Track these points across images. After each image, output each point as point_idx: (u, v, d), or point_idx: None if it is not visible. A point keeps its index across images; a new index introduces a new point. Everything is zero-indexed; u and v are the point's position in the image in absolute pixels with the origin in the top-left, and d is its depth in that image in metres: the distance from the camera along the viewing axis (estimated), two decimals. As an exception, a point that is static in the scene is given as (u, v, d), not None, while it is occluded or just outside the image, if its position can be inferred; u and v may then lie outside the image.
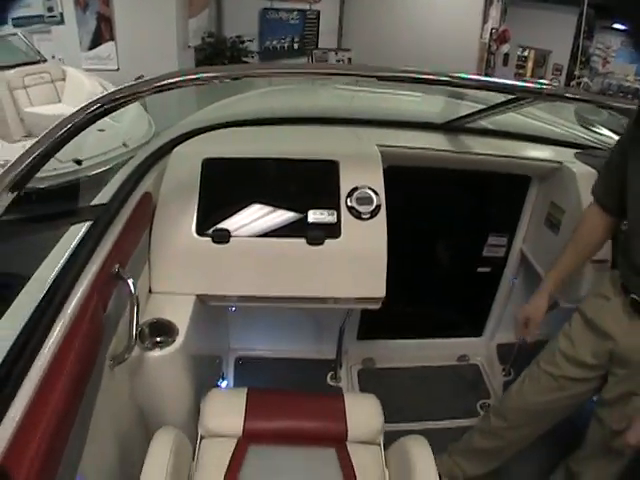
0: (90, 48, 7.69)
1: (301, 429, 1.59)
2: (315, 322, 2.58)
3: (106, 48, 7.65)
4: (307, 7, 10.24)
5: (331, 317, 2.46)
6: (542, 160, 2.22)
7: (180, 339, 1.59)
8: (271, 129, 2.23)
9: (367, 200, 1.83)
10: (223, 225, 1.78)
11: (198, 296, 1.78)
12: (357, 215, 1.81)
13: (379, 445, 1.58)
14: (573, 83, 11.84)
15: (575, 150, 2.24)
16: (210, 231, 1.77)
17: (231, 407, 1.60)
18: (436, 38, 9.41)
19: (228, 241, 1.77)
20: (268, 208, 1.82)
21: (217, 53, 8.06)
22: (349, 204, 1.82)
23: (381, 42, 9.78)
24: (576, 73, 11.78)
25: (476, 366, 2.73)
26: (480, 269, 2.57)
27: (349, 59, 8.37)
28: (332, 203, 1.83)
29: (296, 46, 10.08)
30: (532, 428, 1.85)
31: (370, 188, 1.85)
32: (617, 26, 14.54)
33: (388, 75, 1.57)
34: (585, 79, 13.45)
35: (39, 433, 0.93)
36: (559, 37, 11.42)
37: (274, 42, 9.64)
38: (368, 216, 1.81)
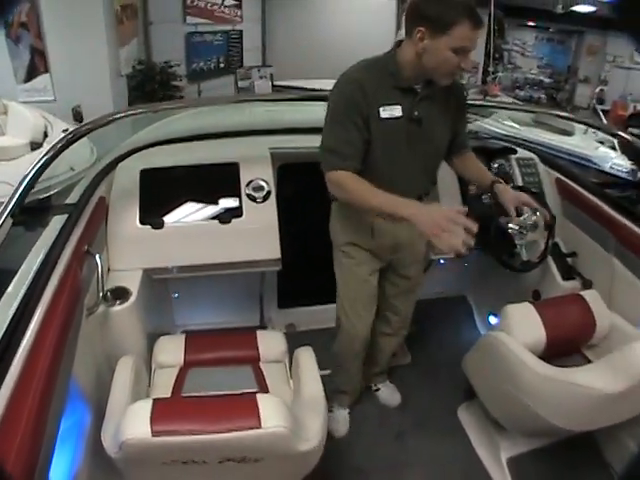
0: (26, 81, 7.76)
1: (225, 355, 2.12)
2: (239, 295, 3.07)
3: (42, 80, 7.74)
4: (230, 28, 10.71)
5: (250, 287, 3.05)
6: None
7: (133, 298, 2.19)
8: (191, 144, 2.85)
9: (260, 188, 2.53)
10: (158, 216, 2.42)
11: (144, 270, 2.38)
12: (253, 199, 2.51)
13: (284, 363, 2.13)
14: (489, 78, 12.81)
15: None
16: (149, 221, 2.41)
17: (175, 346, 2.12)
18: (352, 49, 9.92)
19: (163, 227, 2.42)
20: (190, 201, 2.49)
21: (148, 79, 8.36)
22: (247, 192, 2.52)
23: (301, 56, 10.35)
24: (490, 69, 12.70)
25: None
26: None
27: (271, 74, 8.86)
28: (235, 192, 2.51)
29: (222, 65, 10.45)
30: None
31: (262, 179, 2.55)
32: (530, 23, 15.67)
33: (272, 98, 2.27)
34: (500, 74, 14.47)
35: (44, 353, 1.40)
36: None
37: (201, 64, 9.97)
38: (261, 200, 2.52)
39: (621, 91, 13.80)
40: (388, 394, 2.80)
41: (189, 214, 2.48)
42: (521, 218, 2.54)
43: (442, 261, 3.08)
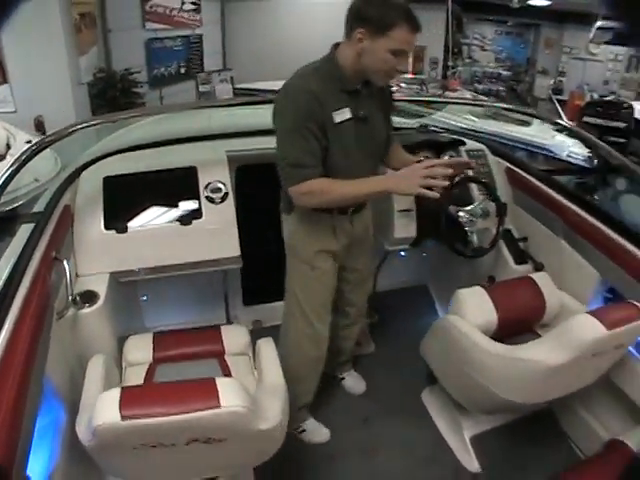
0: (-15, 92, 7.62)
1: (192, 351, 2.20)
2: (205, 295, 3.16)
3: (1, 91, 7.61)
4: (190, 32, 10.76)
5: (215, 286, 3.14)
6: None
7: (101, 301, 2.25)
8: (151, 151, 2.91)
9: (217, 190, 2.62)
10: (122, 221, 2.49)
11: (111, 273, 2.44)
12: (212, 200, 2.59)
13: (248, 355, 2.21)
14: (449, 73, 13.03)
15: None
16: (114, 226, 2.47)
17: (143, 344, 2.20)
18: (310, 51, 9.96)
19: (126, 231, 2.48)
20: (152, 205, 2.56)
21: (109, 87, 8.34)
22: (206, 194, 2.60)
23: (261, 58, 10.46)
24: (450, 64, 12.91)
25: None
26: None
27: (231, 77, 8.90)
28: (194, 195, 2.60)
29: (183, 71, 10.50)
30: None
31: (219, 181, 2.63)
32: (488, 17, 15.93)
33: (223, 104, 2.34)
34: (459, 68, 14.70)
35: (17, 356, 1.47)
36: (431, 33, 12.37)
37: (161, 70, 9.96)
38: (220, 200, 2.60)
39: (578, 81, 14.13)
40: (353, 382, 2.90)
41: (151, 218, 2.55)
42: (471, 207, 2.67)
43: (402, 253, 3.18)
